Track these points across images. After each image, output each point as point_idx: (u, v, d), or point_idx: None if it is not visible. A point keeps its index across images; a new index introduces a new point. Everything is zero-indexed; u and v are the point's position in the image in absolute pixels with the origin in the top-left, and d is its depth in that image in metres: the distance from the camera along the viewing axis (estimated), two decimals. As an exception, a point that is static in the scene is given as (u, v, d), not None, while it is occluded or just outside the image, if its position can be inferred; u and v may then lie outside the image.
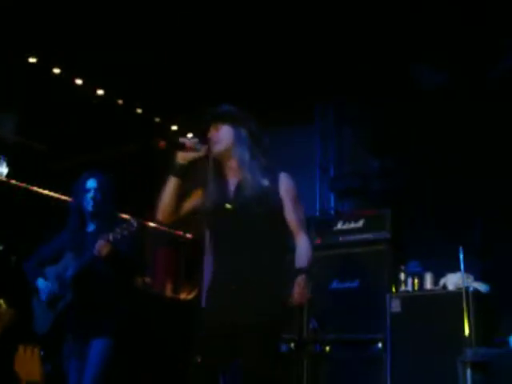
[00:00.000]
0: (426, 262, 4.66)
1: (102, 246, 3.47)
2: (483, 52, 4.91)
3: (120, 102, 6.12)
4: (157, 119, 6.38)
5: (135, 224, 3.40)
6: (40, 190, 5.95)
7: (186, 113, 5.69)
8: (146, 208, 3.38)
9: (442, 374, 4.07)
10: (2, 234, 4.74)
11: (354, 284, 4.74)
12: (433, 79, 5.16)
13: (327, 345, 4.68)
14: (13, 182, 5.81)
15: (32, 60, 5.54)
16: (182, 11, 4.93)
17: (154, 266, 6.32)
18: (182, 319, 5.25)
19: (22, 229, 5.21)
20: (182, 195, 2.88)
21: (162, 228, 6.10)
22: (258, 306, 2.70)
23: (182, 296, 5.91)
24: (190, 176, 2.90)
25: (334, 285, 4.82)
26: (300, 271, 2.75)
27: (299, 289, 2.70)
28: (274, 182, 2.84)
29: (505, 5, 4.54)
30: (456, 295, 4.22)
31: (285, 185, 2.85)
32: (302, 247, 2.82)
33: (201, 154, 2.83)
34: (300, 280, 2.71)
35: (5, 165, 5.77)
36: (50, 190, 5.99)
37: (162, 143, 2.80)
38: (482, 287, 4.29)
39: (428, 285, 4.54)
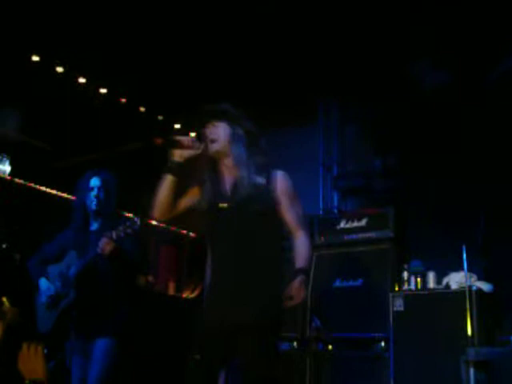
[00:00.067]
0: (429, 261, 4.65)
1: (105, 245, 3.48)
2: (484, 52, 4.91)
3: (123, 100, 6.13)
4: (160, 118, 6.39)
5: (138, 222, 3.40)
6: (43, 189, 5.95)
7: (189, 111, 5.69)
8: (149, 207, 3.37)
9: (444, 373, 4.06)
10: (5, 233, 4.74)
11: (357, 283, 4.74)
12: (435, 79, 5.16)
13: (330, 343, 4.67)
14: (16, 180, 5.81)
15: (35, 58, 5.54)
16: (184, 10, 4.93)
17: (157, 264, 6.32)
18: (185, 318, 5.25)
19: (26, 227, 5.21)
20: (178, 193, 2.89)
21: (166, 226, 6.11)
22: (254, 305, 2.70)
23: (185, 294, 5.91)
24: (187, 174, 2.90)
25: (337, 283, 4.83)
26: (298, 272, 2.74)
27: (295, 290, 2.69)
28: (271, 180, 2.84)
29: (506, 5, 4.53)
30: (459, 294, 4.21)
31: (281, 183, 2.85)
32: (301, 247, 2.81)
33: (197, 151, 2.83)
34: (296, 281, 2.71)
35: (8, 163, 5.77)
36: (53, 189, 5.99)
37: (159, 141, 2.80)
38: (485, 286, 4.28)
39: (431, 284, 4.54)
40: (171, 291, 6.03)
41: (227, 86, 5.46)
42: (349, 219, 4.99)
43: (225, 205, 2.81)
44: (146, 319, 4.71)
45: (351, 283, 4.76)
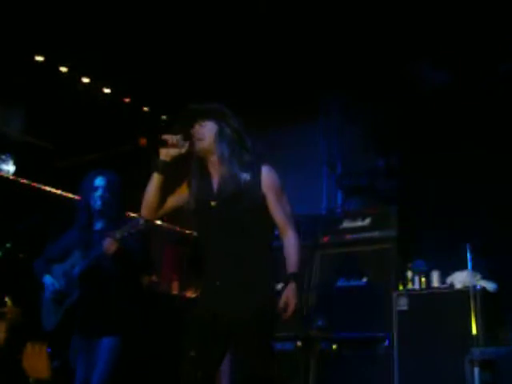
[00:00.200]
0: (432, 260, 4.65)
1: (109, 244, 3.49)
2: (485, 52, 4.90)
3: (127, 100, 6.14)
4: (163, 117, 6.40)
5: (142, 222, 3.40)
6: (47, 188, 5.96)
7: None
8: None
9: (449, 372, 4.06)
10: (9, 232, 4.75)
11: (361, 282, 4.73)
12: (437, 78, 5.16)
13: (334, 343, 4.67)
14: (20, 180, 5.82)
15: (39, 58, 5.55)
16: (186, 9, 4.93)
17: (161, 263, 6.33)
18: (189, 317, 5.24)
19: (30, 227, 5.22)
20: (165, 192, 2.90)
21: (170, 226, 6.11)
22: (247, 301, 2.71)
23: (189, 294, 5.91)
24: (174, 172, 2.91)
25: (341, 283, 4.82)
26: (289, 278, 2.74)
27: (286, 302, 2.70)
28: (256, 176, 2.83)
29: (507, 6, 4.53)
30: (463, 293, 4.21)
31: (267, 178, 2.83)
32: (289, 248, 2.80)
33: (184, 150, 2.84)
34: (287, 292, 2.71)
35: (12, 163, 5.78)
36: (57, 189, 6.00)
37: (144, 141, 2.81)
38: (489, 285, 4.27)
39: (435, 283, 4.53)
40: (175, 290, 6.03)
41: (231, 87, 5.48)
42: (352, 218, 4.99)
43: (212, 203, 2.82)
44: (150, 318, 4.71)
45: (355, 282, 4.76)
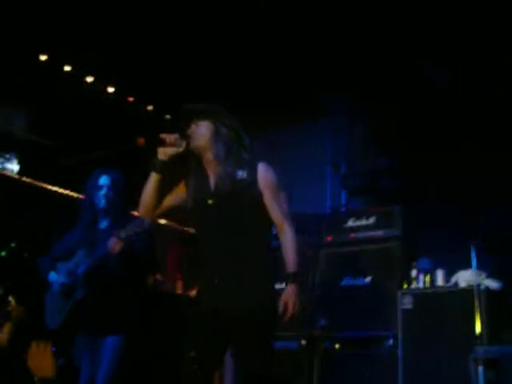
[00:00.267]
0: (437, 259, 4.64)
1: (114, 243, 3.49)
2: (487, 52, 4.90)
3: (131, 99, 6.14)
4: (167, 116, 6.40)
5: (147, 221, 3.41)
6: (51, 187, 5.97)
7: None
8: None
9: (453, 371, 4.05)
10: (13, 232, 4.75)
11: (365, 281, 4.73)
12: (442, 77, 5.16)
13: (338, 342, 4.67)
14: (24, 178, 5.83)
15: (43, 57, 5.55)
16: (188, 9, 4.94)
17: (166, 262, 6.34)
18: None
19: (34, 226, 5.23)
20: (163, 191, 2.91)
21: (174, 225, 6.11)
22: (247, 299, 2.72)
23: (193, 293, 5.91)
24: (171, 172, 2.91)
25: (345, 282, 4.82)
26: (289, 278, 2.74)
27: (288, 301, 2.69)
28: (253, 173, 2.84)
29: (507, 6, 4.53)
30: (467, 292, 4.20)
31: (263, 175, 2.85)
32: (287, 245, 2.81)
33: (181, 149, 2.84)
34: (287, 293, 2.71)
35: (16, 162, 5.79)
36: (62, 187, 6.01)
37: (142, 140, 2.81)
38: (494, 284, 4.26)
39: (439, 282, 4.52)
40: (179, 290, 6.04)
41: (235, 87, 5.49)
42: (357, 217, 4.98)
43: (210, 201, 2.83)
44: (154, 317, 4.72)
45: (359, 281, 4.76)
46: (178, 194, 2.95)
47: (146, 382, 4.82)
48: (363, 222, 4.93)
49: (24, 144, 5.96)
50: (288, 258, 2.77)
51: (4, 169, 5.68)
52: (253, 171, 2.84)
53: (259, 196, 2.82)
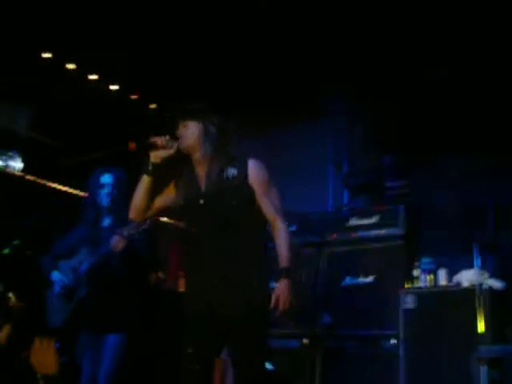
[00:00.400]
0: (440, 259, 4.63)
1: (116, 241, 3.50)
2: (487, 52, 4.90)
3: (134, 97, 6.15)
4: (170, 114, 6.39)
5: (150, 220, 3.41)
6: (55, 185, 5.98)
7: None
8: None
9: (456, 370, 4.04)
10: (17, 230, 4.77)
11: (368, 280, 4.72)
12: (442, 77, 5.16)
13: (340, 340, 4.67)
14: (27, 176, 5.84)
15: (46, 55, 5.56)
16: (190, 9, 4.94)
17: (168, 261, 6.34)
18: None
19: (35, 224, 5.24)
20: (155, 193, 2.92)
21: (176, 223, 6.11)
22: (238, 301, 2.73)
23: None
24: (164, 173, 2.92)
25: (348, 281, 4.81)
26: (281, 273, 2.74)
27: (280, 295, 2.69)
28: (243, 171, 2.84)
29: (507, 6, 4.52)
30: (470, 292, 4.19)
31: (253, 171, 2.85)
32: (280, 241, 2.80)
33: (173, 151, 2.85)
34: (281, 285, 2.71)
35: (20, 160, 5.80)
36: (65, 186, 6.02)
37: (133, 146, 2.82)
38: (497, 284, 4.25)
39: (442, 281, 4.51)
40: (181, 288, 6.03)
41: (238, 87, 5.49)
42: (359, 217, 4.97)
43: (201, 200, 2.83)
44: (157, 315, 4.72)
45: (362, 280, 4.75)
46: (168, 195, 2.96)
47: (149, 379, 4.83)
48: (366, 221, 4.92)
49: (27, 142, 5.97)
50: (281, 254, 2.77)
51: (7, 167, 5.69)
52: (243, 168, 2.84)
53: (251, 193, 2.83)
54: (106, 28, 5.17)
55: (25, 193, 5.70)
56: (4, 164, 5.69)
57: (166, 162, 2.87)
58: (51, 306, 3.78)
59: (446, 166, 5.13)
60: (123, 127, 5.70)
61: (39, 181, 5.95)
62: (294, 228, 4.96)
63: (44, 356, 4.02)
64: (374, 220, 4.89)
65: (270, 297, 2.73)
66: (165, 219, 5.81)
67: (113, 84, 6.00)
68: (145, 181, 2.87)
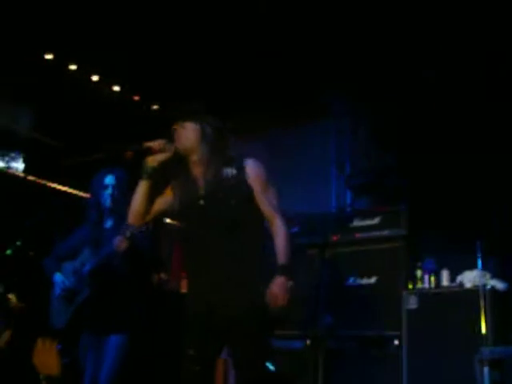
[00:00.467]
0: (442, 259, 4.63)
1: (119, 242, 3.49)
2: (486, 52, 4.90)
3: (136, 98, 6.15)
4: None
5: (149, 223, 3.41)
6: (56, 186, 5.98)
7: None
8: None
9: (458, 371, 4.05)
10: (19, 230, 4.76)
11: (371, 281, 4.73)
12: (442, 75, 5.16)
13: (343, 341, 4.67)
14: (29, 177, 5.83)
15: (48, 56, 5.56)
16: (190, 9, 4.94)
17: (171, 261, 6.34)
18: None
19: (36, 224, 5.24)
20: (154, 196, 2.90)
21: (179, 224, 6.10)
22: (238, 301, 2.72)
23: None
24: (162, 176, 2.91)
25: (351, 281, 4.82)
26: (279, 270, 2.73)
27: (277, 291, 2.68)
28: (241, 170, 2.83)
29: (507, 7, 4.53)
30: (473, 293, 4.20)
31: (252, 170, 2.84)
32: (278, 238, 2.79)
33: (170, 153, 2.84)
34: (277, 281, 2.69)
35: (21, 160, 5.79)
36: (66, 186, 6.02)
37: (130, 154, 2.81)
38: (499, 285, 4.25)
39: (445, 282, 4.51)
40: (184, 289, 6.04)
41: (240, 88, 5.49)
42: (362, 217, 4.98)
43: (201, 202, 2.83)
44: (159, 316, 4.72)
45: (364, 281, 4.76)
46: (166, 199, 2.94)
47: (150, 380, 4.83)
48: (368, 221, 4.93)
49: (29, 142, 5.97)
50: (279, 251, 2.76)
51: (9, 167, 5.69)
52: (241, 168, 2.84)
53: (250, 191, 2.82)
54: (107, 29, 5.17)
55: (26, 193, 5.68)
56: (5, 164, 5.69)
57: (164, 165, 2.86)
58: (54, 307, 3.77)
59: (447, 166, 5.13)
60: (125, 128, 5.70)
61: (41, 181, 5.93)
62: (296, 229, 4.97)
63: (46, 357, 4.00)
64: (376, 221, 4.90)
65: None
66: (168, 220, 5.80)
67: (114, 85, 6.00)
68: (143, 185, 2.86)
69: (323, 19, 5.02)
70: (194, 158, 2.87)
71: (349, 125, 6.12)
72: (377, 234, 4.84)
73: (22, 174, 5.73)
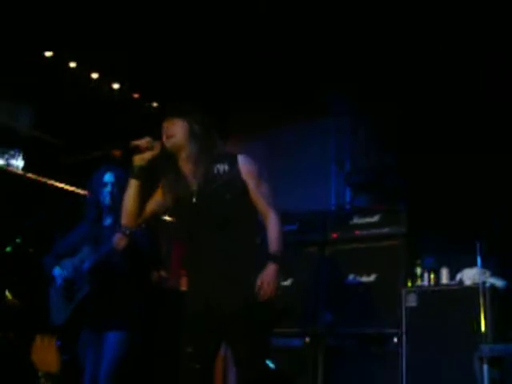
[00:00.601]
0: (442, 257, 4.63)
1: (119, 240, 3.48)
2: (490, 50, 4.90)
3: (136, 95, 6.15)
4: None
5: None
6: (56, 184, 5.98)
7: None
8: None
9: (457, 369, 4.05)
10: (19, 227, 4.77)
11: (370, 278, 4.73)
12: (442, 75, 5.16)
13: (342, 339, 4.67)
14: (28, 174, 5.84)
15: (48, 54, 5.56)
16: (191, 9, 4.94)
17: (170, 259, 6.33)
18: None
19: (39, 222, 5.25)
20: (146, 196, 2.90)
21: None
22: (233, 298, 2.71)
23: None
24: (152, 175, 2.91)
25: (350, 279, 4.82)
26: (269, 258, 2.72)
27: (266, 280, 2.67)
28: (234, 166, 2.83)
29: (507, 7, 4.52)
30: (472, 290, 4.20)
31: (244, 166, 2.84)
32: (271, 229, 2.79)
33: (157, 151, 2.84)
34: (266, 272, 2.69)
35: (21, 158, 5.80)
36: (66, 184, 6.02)
37: (118, 152, 2.80)
38: (499, 282, 4.25)
39: (444, 280, 4.51)
40: (184, 286, 6.03)
41: (241, 87, 5.49)
42: (362, 215, 4.98)
43: (194, 199, 2.82)
44: (159, 314, 4.72)
45: (364, 279, 4.76)
46: (157, 199, 2.94)
47: (150, 378, 4.83)
48: (368, 219, 4.93)
49: (29, 140, 5.97)
50: (271, 241, 2.76)
51: (9, 165, 5.69)
52: (234, 164, 2.84)
53: (243, 186, 2.82)
54: (107, 27, 5.17)
55: (26, 191, 5.69)
56: (5, 162, 5.69)
57: (153, 163, 2.85)
58: (53, 304, 3.77)
59: (447, 165, 5.13)
60: (124, 126, 5.70)
61: (40, 179, 5.94)
62: (296, 227, 4.97)
63: (45, 354, 4.01)
64: (376, 219, 4.90)
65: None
66: (167, 218, 5.80)
67: (114, 82, 6.00)
68: (133, 185, 2.86)
69: (323, 19, 5.03)
70: (183, 155, 2.87)
71: (348, 124, 6.12)
72: (376, 231, 4.84)
73: (21, 172, 5.74)
